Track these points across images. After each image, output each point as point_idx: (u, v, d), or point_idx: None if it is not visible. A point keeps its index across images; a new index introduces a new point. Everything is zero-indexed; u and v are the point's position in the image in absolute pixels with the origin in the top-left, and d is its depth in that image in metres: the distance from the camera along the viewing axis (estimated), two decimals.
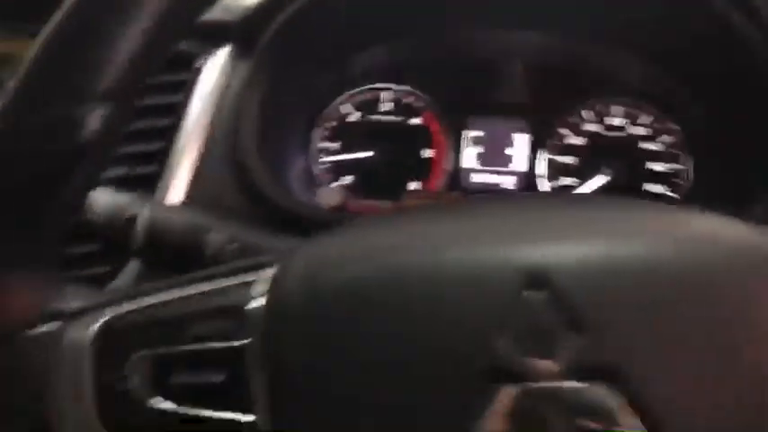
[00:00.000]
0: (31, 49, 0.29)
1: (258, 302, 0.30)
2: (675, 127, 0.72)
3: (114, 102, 0.30)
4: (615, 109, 0.73)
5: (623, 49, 0.70)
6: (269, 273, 0.31)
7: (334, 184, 0.76)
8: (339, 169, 0.77)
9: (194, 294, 0.31)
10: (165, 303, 0.31)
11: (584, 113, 0.74)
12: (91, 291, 0.34)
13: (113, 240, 0.44)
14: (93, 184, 0.33)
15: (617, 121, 0.73)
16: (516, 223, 0.29)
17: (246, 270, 0.32)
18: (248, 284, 0.31)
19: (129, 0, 0.29)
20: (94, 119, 0.29)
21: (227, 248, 0.44)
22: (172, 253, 0.44)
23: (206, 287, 0.32)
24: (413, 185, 0.76)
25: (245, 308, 0.30)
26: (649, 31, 0.66)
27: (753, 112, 0.61)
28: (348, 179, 0.76)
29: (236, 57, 0.64)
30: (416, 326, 0.26)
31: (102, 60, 0.29)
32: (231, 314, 0.30)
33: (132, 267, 0.52)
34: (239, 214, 0.60)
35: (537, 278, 0.25)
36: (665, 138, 0.72)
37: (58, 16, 0.29)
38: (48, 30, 0.29)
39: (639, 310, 0.25)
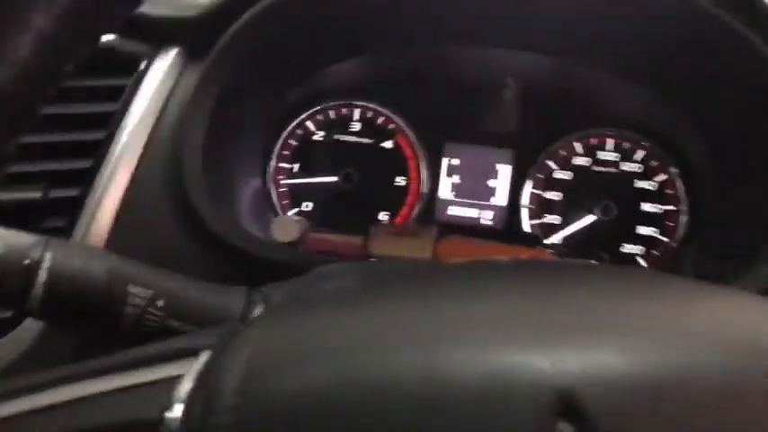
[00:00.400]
0: None
1: (180, 411, 0.21)
2: (672, 165, 0.66)
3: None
4: (608, 142, 0.67)
5: (623, 76, 0.63)
6: (201, 365, 0.23)
7: (292, 213, 0.67)
8: (298, 194, 0.69)
9: (92, 396, 0.23)
10: (51, 408, 0.22)
11: (574, 145, 0.67)
12: None
13: (4, 297, 0.33)
14: None
15: (609, 156, 0.67)
16: (525, 316, 0.21)
17: (171, 358, 0.24)
18: (172, 381, 0.23)
19: None
20: None
21: (152, 307, 0.35)
22: (82, 312, 0.34)
23: (115, 382, 0.23)
24: (382, 216, 0.68)
25: (164, 419, 0.21)
26: (653, 58, 0.59)
27: (762, 152, 0.55)
28: (308, 206, 0.68)
29: (186, 60, 0.55)
30: None
31: None
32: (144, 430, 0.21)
33: (30, 327, 0.42)
34: (177, 250, 0.51)
35: (569, 404, 0.19)
36: (661, 176, 0.66)
37: None
38: None
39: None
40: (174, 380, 0.23)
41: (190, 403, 0.22)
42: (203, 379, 0.22)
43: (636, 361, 0.20)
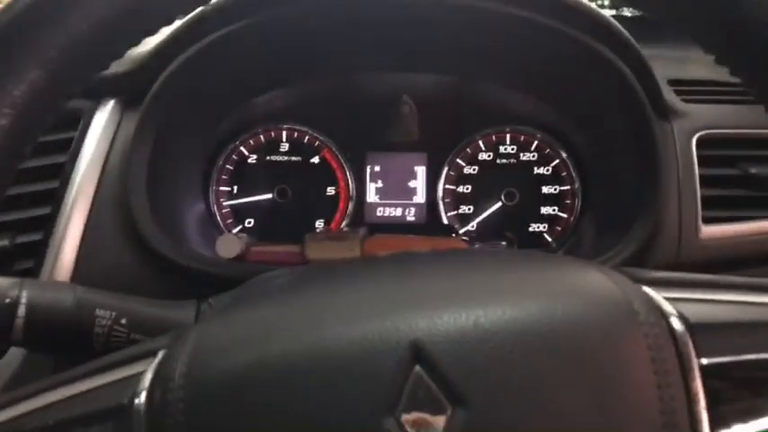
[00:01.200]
0: None
1: (144, 396, 0.29)
2: (562, 152, 0.75)
3: None
4: (507, 137, 0.76)
5: (509, 86, 0.73)
6: (157, 361, 0.30)
7: (234, 232, 0.75)
8: (240, 213, 0.76)
9: (75, 395, 0.30)
10: (40, 410, 0.30)
11: (479, 143, 0.76)
12: None
13: None
14: None
15: (509, 149, 0.76)
16: (394, 295, 0.30)
17: (135, 359, 0.31)
18: (137, 376, 0.30)
19: None
20: None
21: (117, 325, 0.42)
22: (58, 337, 0.42)
23: (89, 384, 0.30)
24: (318, 224, 0.76)
25: (134, 403, 0.29)
26: (533, 73, 0.69)
27: (627, 141, 0.65)
28: (250, 222, 0.76)
29: (123, 109, 0.62)
30: (304, 415, 0.26)
31: None
32: (115, 415, 0.29)
33: (15, 354, 0.49)
34: (133, 275, 0.58)
35: (419, 353, 0.25)
36: (555, 162, 0.76)
37: None
38: None
39: (513, 376, 0.25)
40: (139, 375, 0.30)
41: (150, 389, 0.27)
42: (159, 370, 0.29)
43: (466, 317, 0.26)
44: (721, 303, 0.30)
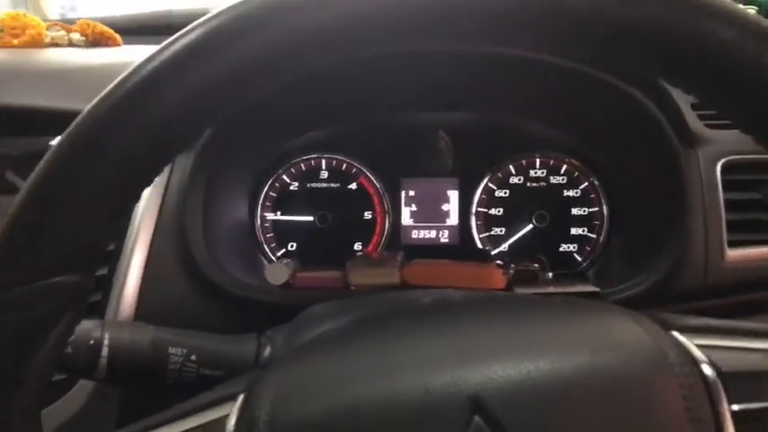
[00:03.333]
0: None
1: None
2: (591, 175, 0.79)
3: (81, 272, 0.32)
4: (536, 162, 0.80)
5: (537, 119, 0.76)
6: (238, 405, 0.34)
7: (278, 255, 0.79)
8: (283, 237, 0.80)
9: None
10: None
11: (509, 168, 0.80)
12: None
13: (78, 370, 0.45)
14: (66, 342, 0.35)
15: (539, 173, 0.79)
16: (455, 349, 0.33)
17: (217, 403, 0.35)
18: (222, 420, 0.34)
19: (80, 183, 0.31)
20: (64, 287, 0.32)
21: (188, 362, 0.46)
22: (136, 373, 0.46)
23: (178, 428, 0.34)
24: (357, 246, 0.80)
25: None
26: (560, 105, 0.72)
27: (654, 169, 0.68)
28: (293, 246, 0.80)
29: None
30: None
31: (65, 239, 0.31)
32: None
33: (80, 390, 0.54)
34: (190, 304, 0.63)
35: (478, 404, 0.29)
36: (584, 184, 0.79)
37: (16, 199, 0.31)
38: (10, 212, 0.31)
39: (561, 425, 0.29)
40: (224, 418, 0.34)
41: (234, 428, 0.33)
42: (242, 414, 0.34)
43: (518, 371, 0.29)
44: (752, 351, 0.32)
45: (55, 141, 0.29)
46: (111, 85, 0.29)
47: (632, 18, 0.28)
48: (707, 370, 0.30)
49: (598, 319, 0.35)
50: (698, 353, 0.31)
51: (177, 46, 0.29)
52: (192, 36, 0.29)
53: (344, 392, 0.31)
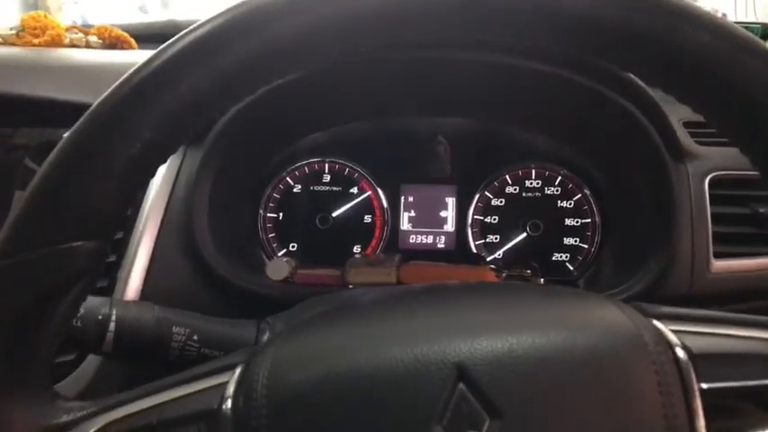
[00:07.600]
0: (23, 195, 0.33)
1: (229, 404, 0.35)
2: (585, 187, 0.81)
3: (99, 239, 0.35)
4: (532, 173, 0.82)
5: (533, 129, 0.79)
6: (238, 373, 0.36)
7: (281, 254, 0.82)
8: (285, 237, 0.83)
9: (171, 400, 0.36)
10: (144, 411, 0.36)
11: (506, 177, 0.82)
12: (71, 404, 0.37)
13: (86, 344, 0.47)
14: (80, 306, 0.37)
15: (534, 184, 0.82)
16: (442, 323, 0.35)
17: (218, 372, 0.37)
18: (222, 386, 0.36)
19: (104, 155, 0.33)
20: (83, 252, 0.34)
21: (190, 341, 0.49)
22: (141, 349, 0.48)
23: (182, 391, 0.36)
24: (356, 248, 0.83)
25: (221, 408, 0.35)
26: (554, 116, 0.75)
27: (644, 182, 0.71)
28: (294, 246, 0.83)
29: (186, 147, 0.69)
30: (366, 422, 0.31)
31: (86, 207, 0.34)
32: (207, 417, 0.33)
33: (88, 366, 0.56)
34: (194, 293, 0.65)
35: (462, 373, 0.30)
36: (577, 196, 0.81)
37: (42, 169, 0.33)
38: (35, 180, 0.33)
39: (541, 394, 0.30)
40: (223, 385, 0.35)
41: (235, 398, 0.32)
42: (241, 381, 0.35)
43: (502, 344, 0.31)
44: (721, 336, 0.34)
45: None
46: (133, 69, 0.33)
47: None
48: (679, 352, 0.32)
49: (581, 303, 0.36)
50: (672, 336, 0.33)
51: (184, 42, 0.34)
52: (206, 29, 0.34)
53: (339, 360, 0.33)
